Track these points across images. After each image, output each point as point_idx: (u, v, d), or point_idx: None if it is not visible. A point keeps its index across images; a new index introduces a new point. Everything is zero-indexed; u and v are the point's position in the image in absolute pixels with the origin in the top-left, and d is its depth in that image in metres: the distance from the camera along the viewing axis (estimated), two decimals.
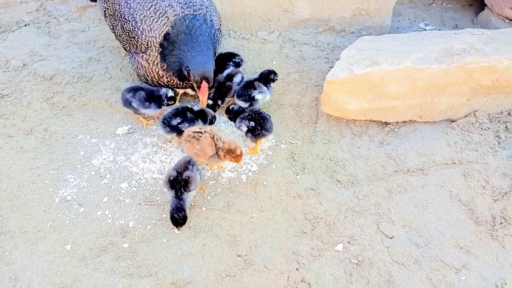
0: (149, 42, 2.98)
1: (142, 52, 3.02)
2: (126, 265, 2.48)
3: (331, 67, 3.82)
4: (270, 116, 3.07)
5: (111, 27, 3.27)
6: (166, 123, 2.93)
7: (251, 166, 3.00)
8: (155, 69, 3.03)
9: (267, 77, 3.29)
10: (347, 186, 2.92)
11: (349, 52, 3.23)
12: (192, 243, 2.59)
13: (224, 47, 3.94)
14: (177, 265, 2.49)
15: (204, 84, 2.88)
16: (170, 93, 3.11)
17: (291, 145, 3.17)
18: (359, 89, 3.14)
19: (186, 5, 3.04)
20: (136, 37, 3.00)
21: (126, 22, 3.04)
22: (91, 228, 2.62)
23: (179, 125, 2.93)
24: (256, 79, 3.25)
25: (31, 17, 4.01)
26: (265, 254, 2.55)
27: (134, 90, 3.07)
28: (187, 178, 2.59)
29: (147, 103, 3.05)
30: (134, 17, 3.00)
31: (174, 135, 2.96)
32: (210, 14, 3.17)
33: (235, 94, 3.21)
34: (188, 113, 3.00)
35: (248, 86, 3.20)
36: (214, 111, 3.20)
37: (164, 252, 2.54)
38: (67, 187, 2.80)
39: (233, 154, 2.73)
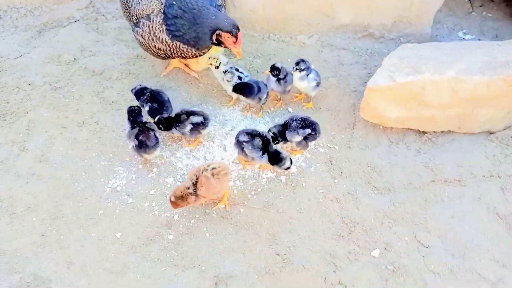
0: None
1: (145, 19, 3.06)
2: (171, 256, 2.62)
3: (368, 73, 3.88)
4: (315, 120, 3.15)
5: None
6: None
7: (291, 167, 3.10)
8: (152, 43, 3.09)
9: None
10: (383, 192, 2.99)
11: (391, 60, 3.27)
12: (233, 239, 2.71)
13: (264, 50, 4.04)
14: (219, 259, 2.62)
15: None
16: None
17: (329, 149, 3.25)
18: (400, 97, 3.19)
19: None
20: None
21: None
22: (139, 218, 2.77)
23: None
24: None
25: (81, 13, 4.19)
26: (303, 255, 2.65)
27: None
28: None
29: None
30: None
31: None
32: None
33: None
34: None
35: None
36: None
37: (207, 246, 2.67)
38: (117, 178, 2.96)
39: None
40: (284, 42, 4.14)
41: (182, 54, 3.18)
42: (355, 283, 2.53)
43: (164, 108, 3.17)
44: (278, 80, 3.36)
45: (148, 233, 2.71)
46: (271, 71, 3.36)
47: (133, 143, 2.92)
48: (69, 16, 4.14)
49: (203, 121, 3.06)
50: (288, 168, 2.96)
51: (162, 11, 3.06)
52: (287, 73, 3.38)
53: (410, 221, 2.81)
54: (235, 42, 2.99)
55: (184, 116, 3.04)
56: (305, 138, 3.05)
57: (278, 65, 3.35)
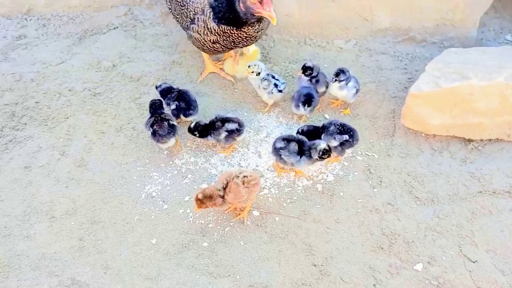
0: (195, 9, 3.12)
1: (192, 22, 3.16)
2: (205, 263, 2.59)
3: (409, 78, 3.74)
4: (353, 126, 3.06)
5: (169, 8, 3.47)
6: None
7: (327, 176, 3.01)
8: (207, 37, 3.16)
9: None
10: (426, 203, 2.85)
11: (436, 65, 3.13)
12: (268, 248, 2.65)
13: (300, 55, 3.97)
14: (254, 268, 2.56)
15: None
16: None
17: (368, 157, 3.14)
18: (445, 103, 3.04)
19: None
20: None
21: None
22: (174, 224, 2.76)
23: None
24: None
25: (119, 20, 4.28)
26: (341, 266, 2.55)
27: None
28: None
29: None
30: None
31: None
32: None
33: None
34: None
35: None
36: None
37: (241, 255, 2.62)
38: (152, 184, 2.97)
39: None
40: (321, 47, 4.06)
41: (232, 39, 3.18)
42: None
43: (191, 107, 3.19)
44: (311, 79, 3.30)
45: (183, 240, 2.69)
46: (303, 72, 3.30)
47: (149, 132, 3.00)
48: (109, 23, 4.24)
49: (238, 128, 3.02)
50: (325, 153, 2.81)
51: (209, 2, 3.13)
52: (318, 73, 3.32)
53: (456, 234, 2.65)
54: (261, 3, 2.88)
55: (219, 123, 3.02)
56: (342, 144, 2.96)
57: (310, 64, 3.30)
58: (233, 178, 2.61)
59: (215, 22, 3.11)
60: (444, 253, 2.57)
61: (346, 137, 2.93)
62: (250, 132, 3.29)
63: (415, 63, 3.87)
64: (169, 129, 2.99)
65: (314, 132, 3.01)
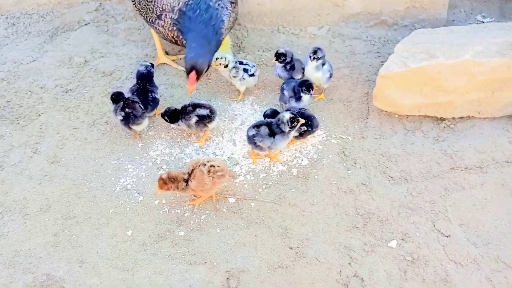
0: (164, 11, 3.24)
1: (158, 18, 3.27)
2: (182, 252, 2.58)
3: (382, 62, 3.75)
4: (313, 112, 3.08)
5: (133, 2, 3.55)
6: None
7: (302, 160, 3.03)
8: (170, 34, 3.30)
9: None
10: (400, 182, 2.88)
11: (404, 46, 3.16)
12: (245, 234, 2.65)
13: (274, 43, 3.97)
14: (230, 254, 2.57)
15: (192, 75, 3.03)
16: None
17: (342, 140, 3.16)
18: (414, 83, 3.07)
19: None
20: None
21: None
22: (149, 215, 2.75)
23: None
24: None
25: (91, 16, 4.23)
26: (316, 247, 2.57)
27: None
28: None
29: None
30: None
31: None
32: (222, 6, 3.28)
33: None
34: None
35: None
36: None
37: (217, 241, 2.62)
38: (127, 177, 2.96)
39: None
40: (294, 35, 4.06)
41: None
42: (372, 275, 2.43)
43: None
44: (285, 66, 3.30)
45: (159, 230, 2.68)
46: (277, 59, 3.30)
47: (119, 116, 3.01)
48: (80, 19, 4.19)
49: (209, 114, 3.02)
50: (294, 120, 2.80)
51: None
52: (292, 59, 3.32)
53: (429, 211, 2.69)
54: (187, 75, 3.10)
55: (190, 108, 3.02)
56: (301, 132, 2.97)
57: (282, 50, 3.30)
58: (199, 166, 2.60)
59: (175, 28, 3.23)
60: (417, 229, 2.61)
61: (304, 128, 2.93)
62: (224, 120, 3.29)
63: (388, 47, 3.89)
64: (142, 110, 3.03)
65: (276, 114, 3.00)
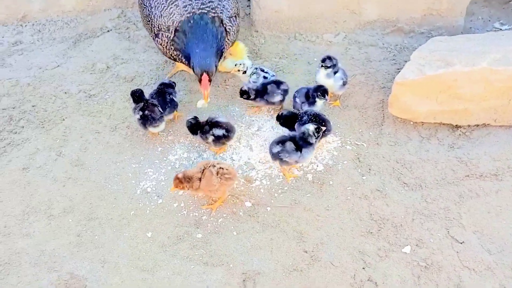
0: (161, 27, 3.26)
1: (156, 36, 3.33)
2: (200, 254, 2.66)
3: (398, 69, 3.79)
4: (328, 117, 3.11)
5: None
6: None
7: (317, 165, 3.08)
8: (168, 52, 3.35)
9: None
10: (414, 189, 2.90)
11: (420, 53, 3.19)
12: (261, 237, 2.72)
13: (290, 50, 4.04)
14: (246, 257, 2.63)
15: (205, 77, 3.06)
16: None
17: (357, 147, 3.20)
18: (430, 90, 3.10)
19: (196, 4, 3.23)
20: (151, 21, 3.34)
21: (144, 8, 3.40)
22: (168, 218, 2.84)
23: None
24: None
25: (113, 23, 4.37)
26: (331, 252, 2.61)
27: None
28: None
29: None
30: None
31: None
32: (220, 10, 3.30)
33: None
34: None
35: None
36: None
37: (234, 244, 2.69)
38: (147, 180, 3.05)
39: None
40: (310, 42, 4.12)
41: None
42: (385, 280, 2.46)
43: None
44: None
45: (178, 232, 2.76)
46: (241, 95, 3.31)
47: (137, 115, 3.13)
48: (102, 26, 4.32)
49: (225, 133, 3.03)
50: (318, 130, 2.84)
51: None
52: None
53: (443, 217, 2.71)
54: (200, 82, 3.13)
55: (207, 128, 3.04)
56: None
57: (245, 87, 3.28)
58: (209, 166, 2.71)
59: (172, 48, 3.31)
60: (431, 236, 2.63)
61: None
62: (241, 126, 3.36)
63: (404, 54, 3.92)
64: (160, 113, 3.14)
65: (293, 117, 3.06)
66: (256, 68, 3.43)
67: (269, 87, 3.28)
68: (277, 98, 3.29)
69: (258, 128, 3.36)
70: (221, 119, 3.11)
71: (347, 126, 3.34)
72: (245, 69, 3.39)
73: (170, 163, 3.15)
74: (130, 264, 2.64)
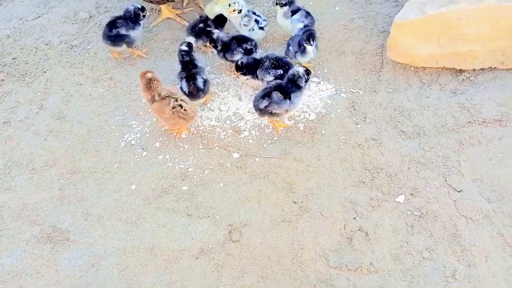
0: None
1: None
2: (185, 206, 2.57)
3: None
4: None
5: None
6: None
7: (309, 114, 2.92)
8: None
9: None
10: (412, 137, 2.74)
11: None
12: (248, 189, 2.61)
13: None
14: (233, 209, 2.54)
15: None
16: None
17: (352, 94, 3.02)
18: (432, 31, 2.86)
19: None
20: None
21: None
22: (153, 170, 2.73)
23: None
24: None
25: None
26: (321, 202, 2.50)
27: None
28: None
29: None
30: None
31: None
32: None
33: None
34: None
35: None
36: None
37: (221, 196, 2.59)
38: (131, 132, 2.93)
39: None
40: None
41: None
42: (377, 230, 2.36)
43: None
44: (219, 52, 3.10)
45: (162, 185, 2.67)
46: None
47: (182, 82, 2.91)
48: None
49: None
50: (308, 72, 2.69)
51: None
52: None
53: (441, 165, 2.56)
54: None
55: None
56: (277, 79, 2.82)
57: (214, 36, 3.09)
58: (172, 97, 2.64)
59: None
60: (427, 184, 2.50)
61: (280, 71, 2.80)
62: (230, 75, 3.18)
63: None
64: (203, 86, 2.87)
65: (254, 64, 2.90)
66: (248, 11, 3.21)
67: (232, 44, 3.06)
68: (237, 56, 3.05)
69: (248, 77, 3.17)
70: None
71: (342, 73, 3.15)
72: (240, 8, 3.17)
73: (154, 115, 3.00)
74: (113, 217, 2.56)
